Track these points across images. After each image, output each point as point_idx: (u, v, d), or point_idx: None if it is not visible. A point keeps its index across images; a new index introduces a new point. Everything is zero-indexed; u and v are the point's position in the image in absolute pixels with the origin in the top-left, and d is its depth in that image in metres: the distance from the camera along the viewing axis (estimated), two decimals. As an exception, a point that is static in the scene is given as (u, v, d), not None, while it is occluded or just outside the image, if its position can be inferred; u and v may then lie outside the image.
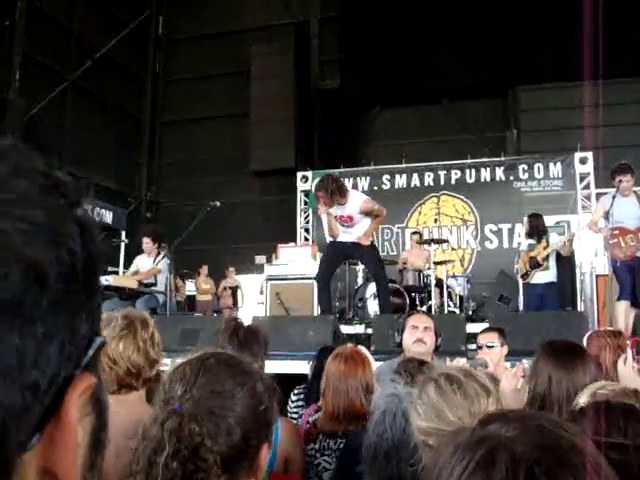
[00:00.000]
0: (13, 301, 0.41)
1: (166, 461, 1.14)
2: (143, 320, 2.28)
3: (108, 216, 11.05)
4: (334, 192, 6.60)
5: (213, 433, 1.18)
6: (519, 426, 0.82)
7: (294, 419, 3.74)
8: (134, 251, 9.12)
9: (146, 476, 1.15)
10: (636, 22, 11.74)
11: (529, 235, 8.88)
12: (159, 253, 8.55)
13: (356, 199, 6.85)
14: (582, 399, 1.93)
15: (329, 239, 7.22)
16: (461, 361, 3.56)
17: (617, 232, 6.79)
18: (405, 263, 9.92)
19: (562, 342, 2.62)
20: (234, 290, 14.21)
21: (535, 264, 8.64)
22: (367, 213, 6.83)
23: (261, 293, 10.87)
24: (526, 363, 2.71)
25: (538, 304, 8.49)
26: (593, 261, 9.92)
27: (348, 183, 11.70)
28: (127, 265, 9.10)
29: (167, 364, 3.01)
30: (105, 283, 7.56)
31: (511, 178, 12.82)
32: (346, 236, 6.93)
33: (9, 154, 0.48)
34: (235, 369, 1.31)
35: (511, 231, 12.46)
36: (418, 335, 4.01)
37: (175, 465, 1.14)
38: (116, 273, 8.98)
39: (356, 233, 6.87)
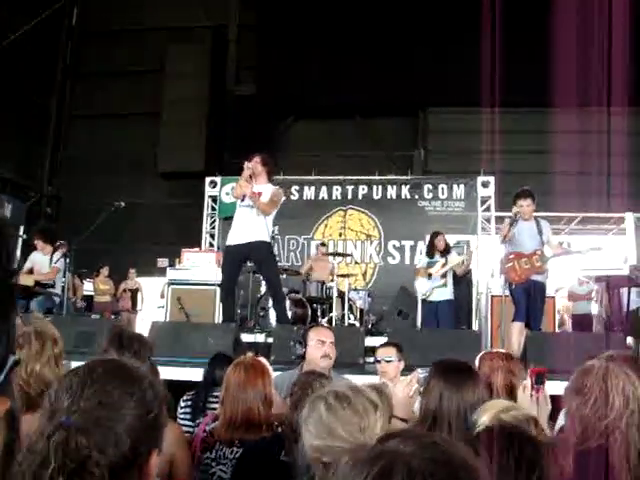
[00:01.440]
0: None
1: (52, 475, 1.09)
2: (54, 338, 2.29)
3: (6, 209, 10.64)
4: (269, 164, 7.02)
5: (101, 445, 1.16)
6: (415, 442, 0.88)
7: (182, 426, 3.72)
8: (32, 248, 8.83)
9: None
10: (535, 54, 12.23)
11: (431, 253, 9.13)
12: (55, 250, 8.29)
13: (271, 186, 7.06)
14: (484, 419, 2.01)
15: (227, 242, 7.20)
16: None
17: (512, 256, 7.09)
18: (309, 273, 10.00)
19: (452, 362, 2.73)
20: (134, 292, 13.94)
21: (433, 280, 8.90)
22: (269, 203, 6.87)
23: (162, 297, 10.71)
24: (420, 372, 2.80)
25: (435, 321, 8.75)
26: (489, 282, 10.26)
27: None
28: (24, 261, 8.78)
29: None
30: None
31: (416, 197, 13.13)
32: (241, 227, 6.93)
33: None
34: (124, 377, 1.29)
35: (413, 248, 12.76)
36: (326, 350, 4.06)
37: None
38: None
39: (251, 226, 6.84)
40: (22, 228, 10.34)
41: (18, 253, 10.06)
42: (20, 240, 10.23)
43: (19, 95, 16.04)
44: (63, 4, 17.66)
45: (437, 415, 2.52)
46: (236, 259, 7.06)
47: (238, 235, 6.91)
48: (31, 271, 8.16)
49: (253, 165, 6.87)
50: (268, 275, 7.31)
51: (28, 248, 8.95)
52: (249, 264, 8.17)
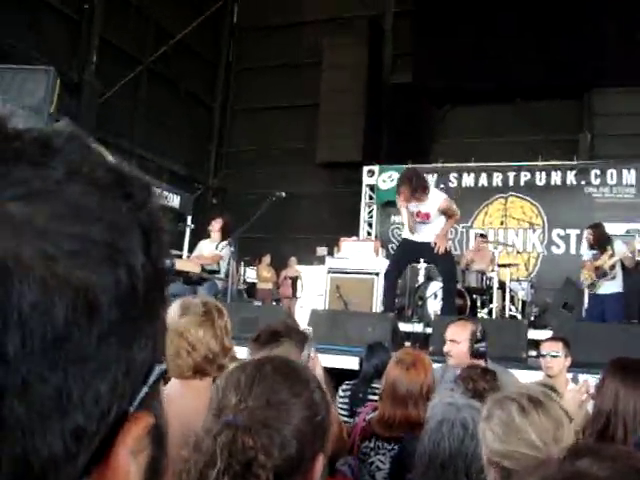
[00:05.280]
0: (56, 338, 0.34)
1: (217, 476, 1.10)
2: (219, 309, 2.35)
3: (175, 200, 11.23)
4: (417, 190, 6.52)
5: (267, 447, 1.14)
6: (612, 466, 0.78)
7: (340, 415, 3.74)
8: (199, 236, 9.25)
9: None
10: None
11: (592, 246, 8.65)
12: (223, 241, 8.60)
13: (436, 198, 6.78)
14: None
15: (404, 235, 7.16)
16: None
17: None
18: (469, 264, 9.76)
19: (632, 360, 2.54)
20: (294, 280, 14.27)
21: (602, 274, 8.40)
22: (444, 212, 6.73)
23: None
24: (592, 381, 2.63)
25: (602, 315, 8.26)
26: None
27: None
28: (191, 250, 9.23)
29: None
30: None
31: (582, 183, 12.51)
32: (419, 234, 6.82)
33: (65, 149, 0.40)
34: (292, 378, 1.26)
35: (580, 237, 12.09)
36: (446, 348, 3.92)
37: None
38: (180, 257, 9.09)
39: (430, 231, 6.75)
40: (189, 218, 10.88)
41: (186, 242, 10.59)
42: (188, 230, 10.77)
43: (185, 92, 16.88)
44: (224, 2, 18.32)
45: (611, 416, 2.35)
46: (410, 253, 7.04)
47: (416, 232, 6.88)
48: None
49: (404, 202, 6.59)
50: (444, 269, 7.22)
51: (196, 238, 9.37)
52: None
